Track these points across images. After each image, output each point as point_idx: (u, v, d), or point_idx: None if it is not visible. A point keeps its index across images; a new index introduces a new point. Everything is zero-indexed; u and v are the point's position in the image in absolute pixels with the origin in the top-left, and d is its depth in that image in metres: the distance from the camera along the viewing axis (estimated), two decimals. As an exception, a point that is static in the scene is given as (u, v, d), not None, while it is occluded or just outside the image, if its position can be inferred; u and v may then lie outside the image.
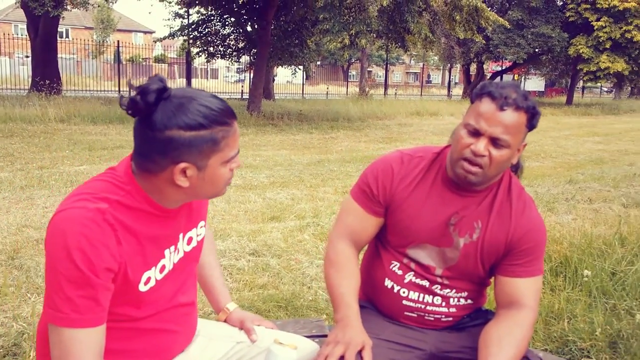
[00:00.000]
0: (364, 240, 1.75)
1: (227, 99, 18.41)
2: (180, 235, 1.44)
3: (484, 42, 21.01)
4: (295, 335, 1.72)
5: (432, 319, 1.71)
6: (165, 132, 1.21)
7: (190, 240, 1.49)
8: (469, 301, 1.72)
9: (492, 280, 1.77)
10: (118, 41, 23.07)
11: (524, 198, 1.67)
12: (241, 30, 18.02)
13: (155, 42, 21.74)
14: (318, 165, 8.65)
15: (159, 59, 46.96)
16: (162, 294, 1.40)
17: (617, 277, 3.59)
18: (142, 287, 1.32)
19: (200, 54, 19.02)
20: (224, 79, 42.33)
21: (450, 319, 1.71)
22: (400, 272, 1.70)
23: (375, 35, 15.04)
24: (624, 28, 25.72)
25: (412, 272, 1.69)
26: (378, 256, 1.76)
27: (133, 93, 1.23)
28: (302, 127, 14.52)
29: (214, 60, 19.71)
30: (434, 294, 1.69)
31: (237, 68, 47.63)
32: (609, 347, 2.94)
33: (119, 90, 22.15)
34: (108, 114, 12.97)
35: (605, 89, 48.87)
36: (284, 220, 5.28)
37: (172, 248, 1.41)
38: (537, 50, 26.97)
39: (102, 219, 1.21)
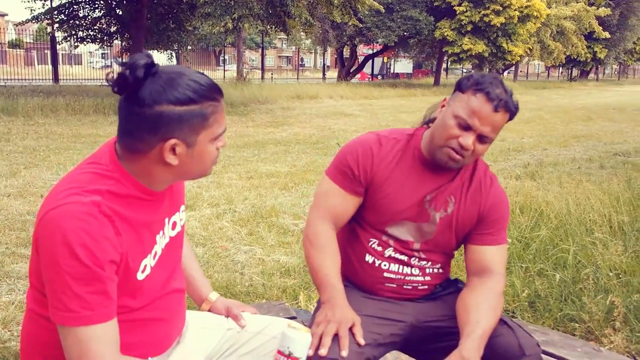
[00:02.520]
0: (344, 220, 1.79)
1: (99, 86, 17.51)
2: (166, 220, 1.43)
3: (360, 25, 21.58)
4: (285, 320, 1.74)
5: (410, 287, 1.79)
6: (155, 107, 1.19)
7: (174, 225, 1.48)
8: (441, 270, 1.84)
9: (456, 253, 1.90)
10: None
11: (489, 174, 1.81)
12: (112, 13, 17.09)
13: (16, 26, 19.94)
14: (213, 152, 8.49)
15: (14, 44, 43.28)
16: (156, 281, 1.38)
17: (524, 243, 3.94)
18: (140, 276, 1.31)
19: (68, 38, 17.80)
20: (89, 64, 39.98)
21: (426, 287, 1.81)
22: (380, 249, 1.77)
23: (256, 19, 14.95)
24: (483, 12, 27.52)
25: (392, 248, 1.77)
26: (355, 235, 1.82)
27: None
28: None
29: (76, 45, 18.49)
30: (412, 266, 1.78)
31: (102, 53, 45.12)
32: (530, 307, 3.24)
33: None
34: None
35: (466, 70, 52.17)
36: (197, 208, 5.19)
37: (161, 233, 1.40)
38: (406, 33, 28.16)
39: (98, 212, 1.18)
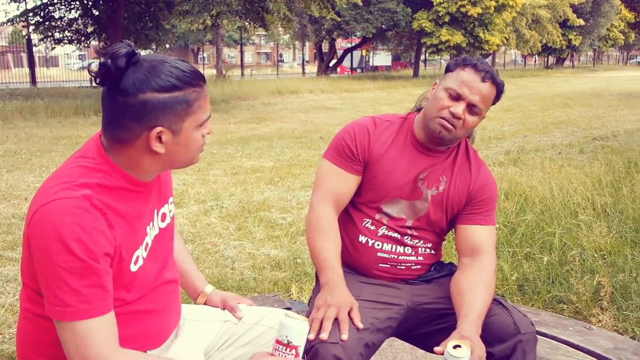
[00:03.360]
0: (346, 200, 1.82)
1: (78, 87, 17.32)
2: (155, 211, 1.43)
3: (338, 18, 21.56)
4: (281, 310, 1.75)
5: (403, 267, 1.82)
6: (139, 95, 1.20)
7: (164, 216, 1.48)
8: (433, 252, 1.87)
9: (446, 238, 1.95)
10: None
11: (478, 158, 1.88)
12: (89, 13, 16.90)
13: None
14: (197, 150, 8.46)
15: (-12, 48, 42.57)
16: (149, 272, 1.39)
17: (511, 228, 3.99)
18: (133, 267, 1.31)
19: (45, 40, 17.57)
20: (66, 66, 39.47)
21: (419, 267, 1.84)
22: (373, 228, 1.81)
23: (235, 16, 14.88)
24: (459, 3, 27.67)
25: (385, 227, 1.80)
26: (349, 217, 1.85)
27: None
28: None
29: (53, 47, 18.27)
30: (405, 245, 1.81)
31: (79, 55, 44.49)
32: (519, 290, 3.29)
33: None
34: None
35: (444, 61, 52.49)
36: (184, 205, 5.18)
37: (151, 225, 1.40)
38: (384, 26, 28.23)
39: (90, 205, 1.18)
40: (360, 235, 1.81)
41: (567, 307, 3.06)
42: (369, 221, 1.81)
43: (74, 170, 1.24)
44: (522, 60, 65.49)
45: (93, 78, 1.21)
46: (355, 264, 1.84)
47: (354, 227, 1.83)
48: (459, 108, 1.67)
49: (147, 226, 1.38)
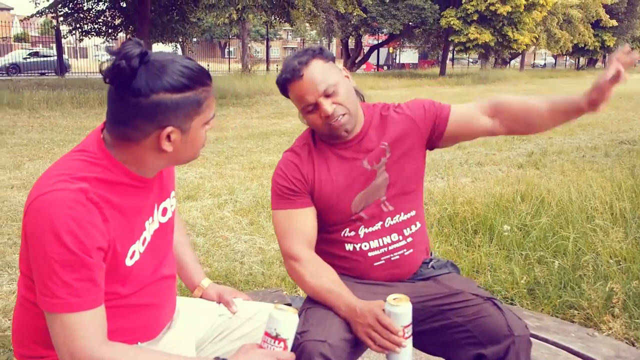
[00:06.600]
0: (314, 235, 1.77)
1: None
2: (155, 206, 1.43)
3: (365, 15, 21.44)
4: (280, 304, 1.74)
5: (397, 257, 1.78)
6: (152, 96, 1.19)
7: (165, 211, 1.48)
8: (418, 225, 1.83)
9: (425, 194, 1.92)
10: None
11: (390, 105, 1.85)
12: (116, 5, 17.11)
13: (22, 21, 19.99)
14: (217, 143, 8.54)
15: (20, 38, 43.41)
16: (146, 267, 1.39)
17: (525, 231, 3.92)
18: (128, 262, 1.31)
19: (73, 32, 17.83)
20: (94, 58, 40.06)
21: (412, 250, 1.80)
22: (352, 233, 1.77)
23: (260, 10, 14.92)
24: (489, 1, 27.34)
25: (362, 225, 1.76)
26: (327, 239, 1.81)
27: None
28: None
29: (81, 38, 18.56)
30: (389, 231, 1.77)
31: (107, 46, 45.15)
32: (529, 294, 3.23)
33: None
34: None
35: (472, 60, 51.92)
36: (199, 199, 5.21)
37: (150, 219, 1.40)
38: (411, 23, 28.04)
39: (85, 199, 1.18)
40: (346, 244, 1.78)
41: (578, 313, 2.99)
42: (346, 229, 1.78)
43: (73, 163, 1.24)
44: (552, 61, 64.43)
45: (103, 78, 1.20)
46: (353, 272, 1.81)
47: (335, 242, 1.80)
48: (326, 108, 1.64)
49: (146, 221, 1.38)
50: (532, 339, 1.60)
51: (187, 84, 1.22)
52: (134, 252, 1.33)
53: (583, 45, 41.63)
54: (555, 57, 58.33)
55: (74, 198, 1.17)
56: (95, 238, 1.18)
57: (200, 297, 1.75)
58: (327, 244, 1.81)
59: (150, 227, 1.40)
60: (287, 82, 1.66)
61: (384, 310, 1.52)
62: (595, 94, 1.54)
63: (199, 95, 1.25)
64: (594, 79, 1.54)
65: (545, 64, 62.54)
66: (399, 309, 1.50)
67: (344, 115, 1.67)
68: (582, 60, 51.74)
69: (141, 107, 1.20)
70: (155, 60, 1.21)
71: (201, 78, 1.26)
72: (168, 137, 1.25)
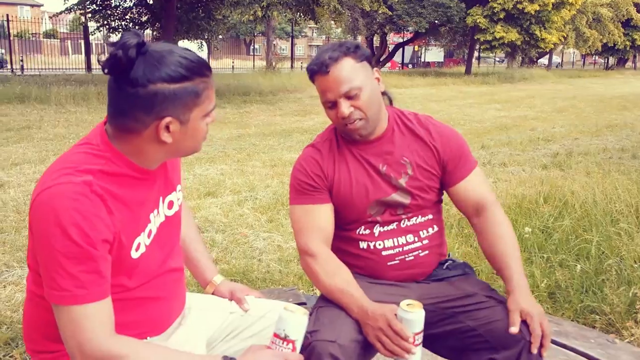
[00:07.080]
0: (330, 232, 1.76)
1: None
2: (160, 199, 1.43)
3: (389, 12, 21.30)
4: (289, 304, 1.73)
5: (412, 258, 1.76)
6: (150, 86, 1.20)
7: (171, 204, 1.48)
8: (435, 228, 1.81)
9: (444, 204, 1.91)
10: (7, 15, 21.29)
11: (421, 118, 1.82)
12: (143, 3, 17.27)
13: (51, 17, 20.30)
14: (239, 140, 8.57)
15: (49, 34, 44.11)
16: (152, 259, 1.39)
17: (547, 233, 3.86)
18: (134, 254, 1.31)
19: (101, 28, 18.06)
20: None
21: (427, 252, 1.78)
22: (367, 231, 1.76)
23: (285, 7, 14.95)
24: (516, -1, 27.00)
25: (378, 224, 1.76)
26: (342, 233, 1.80)
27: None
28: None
29: (112, 36, 18.77)
30: (405, 232, 1.76)
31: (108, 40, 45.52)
32: (549, 297, 3.18)
33: (12, 69, 20.69)
34: (5, 93, 12.11)
35: (498, 59, 51.32)
36: (219, 195, 5.23)
37: (155, 212, 1.41)
38: (437, 21, 27.81)
39: (90, 191, 1.19)
40: (360, 242, 1.77)
41: (600, 319, 2.93)
42: (362, 227, 1.77)
43: (77, 157, 1.25)
44: (580, 60, 63.44)
45: (102, 68, 1.21)
46: (366, 271, 1.79)
47: (350, 239, 1.79)
48: (343, 109, 1.63)
49: (151, 213, 1.38)
50: (548, 344, 1.57)
51: (185, 75, 1.23)
52: (139, 244, 1.33)
53: (612, 45, 40.87)
54: (583, 56, 57.37)
55: (79, 191, 1.18)
56: (101, 230, 1.19)
57: (212, 293, 1.75)
58: (342, 241, 1.81)
59: (156, 219, 1.41)
60: (314, 73, 1.67)
61: (396, 315, 1.50)
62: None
63: (197, 86, 1.25)
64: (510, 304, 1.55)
65: (559, 62, 61.53)
66: (412, 315, 1.48)
67: (360, 120, 1.67)
68: (612, 60, 50.78)
69: (139, 98, 1.20)
70: (154, 51, 1.22)
71: (200, 69, 1.26)
72: (167, 128, 1.25)
